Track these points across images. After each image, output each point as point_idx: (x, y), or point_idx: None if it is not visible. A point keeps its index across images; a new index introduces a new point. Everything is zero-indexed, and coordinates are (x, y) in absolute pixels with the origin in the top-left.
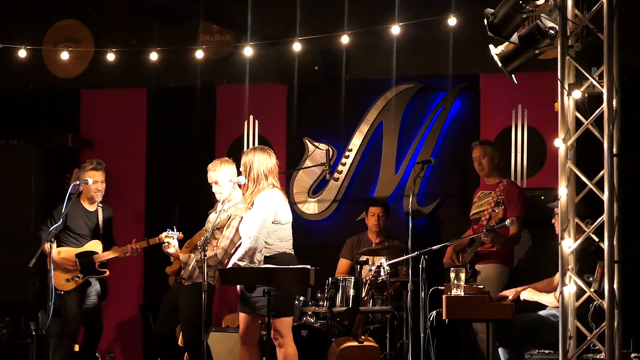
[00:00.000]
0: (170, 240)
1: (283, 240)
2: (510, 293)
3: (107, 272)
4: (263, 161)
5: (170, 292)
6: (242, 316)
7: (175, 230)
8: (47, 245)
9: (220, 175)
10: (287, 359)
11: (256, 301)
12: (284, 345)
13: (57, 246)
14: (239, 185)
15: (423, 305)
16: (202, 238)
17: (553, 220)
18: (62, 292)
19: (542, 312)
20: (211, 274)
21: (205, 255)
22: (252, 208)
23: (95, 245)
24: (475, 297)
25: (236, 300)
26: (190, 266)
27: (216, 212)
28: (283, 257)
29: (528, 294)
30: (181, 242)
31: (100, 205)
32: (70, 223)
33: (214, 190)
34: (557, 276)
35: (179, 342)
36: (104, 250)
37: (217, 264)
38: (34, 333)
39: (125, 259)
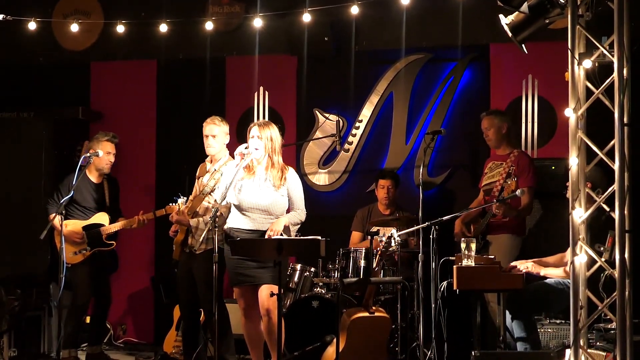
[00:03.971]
0: (182, 207)
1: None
2: (520, 264)
3: (115, 244)
4: (279, 136)
5: (183, 265)
6: (243, 289)
7: (182, 197)
8: (57, 219)
9: (219, 130)
10: (273, 329)
11: (249, 273)
12: (273, 316)
13: (64, 219)
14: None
15: (434, 276)
16: (212, 210)
17: (567, 184)
18: (70, 265)
19: (548, 280)
20: (221, 238)
21: (216, 226)
22: (289, 183)
23: (101, 218)
24: (486, 267)
25: None
26: (202, 231)
27: (209, 173)
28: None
29: (536, 268)
30: None
31: (106, 177)
32: (76, 196)
33: (208, 143)
34: (569, 251)
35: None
36: (111, 222)
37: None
38: (52, 304)
39: (133, 230)
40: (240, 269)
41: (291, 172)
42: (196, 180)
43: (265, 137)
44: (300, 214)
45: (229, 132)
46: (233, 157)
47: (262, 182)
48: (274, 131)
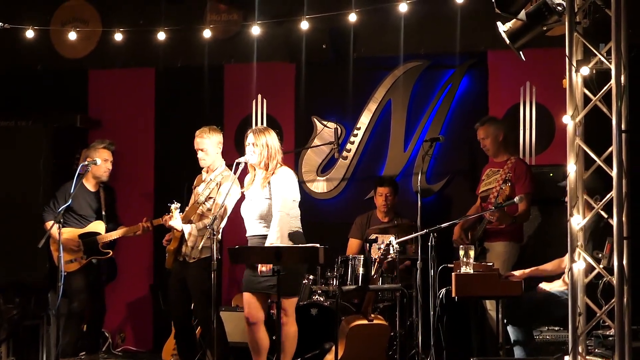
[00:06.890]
0: (174, 212)
1: (296, 218)
2: (517, 273)
3: (111, 253)
4: (276, 141)
5: (175, 274)
6: (247, 296)
7: (175, 202)
8: (55, 228)
9: (208, 142)
10: (289, 336)
11: (264, 280)
12: (288, 323)
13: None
14: (245, 163)
15: (432, 283)
16: (211, 217)
17: (566, 199)
18: (66, 273)
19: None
20: (218, 246)
21: (214, 234)
22: (272, 183)
23: (98, 226)
24: (484, 275)
25: None
26: (195, 237)
27: (204, 183)
28: (296, 236)
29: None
30: None
31: (102, 185)
32: (73, 204)
33: (199, 156)
34: (567, 257)
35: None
36: (108, 230)
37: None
38: (51, 312)
39: (131, 238)
40: (256, 277)
41: (280, 172)
42: (193, 190)
43: (261, 145)
44: (280, 221)
45: (222, 141)
46: (230, 167)
47: (259, 191)
48: (270, 137)
